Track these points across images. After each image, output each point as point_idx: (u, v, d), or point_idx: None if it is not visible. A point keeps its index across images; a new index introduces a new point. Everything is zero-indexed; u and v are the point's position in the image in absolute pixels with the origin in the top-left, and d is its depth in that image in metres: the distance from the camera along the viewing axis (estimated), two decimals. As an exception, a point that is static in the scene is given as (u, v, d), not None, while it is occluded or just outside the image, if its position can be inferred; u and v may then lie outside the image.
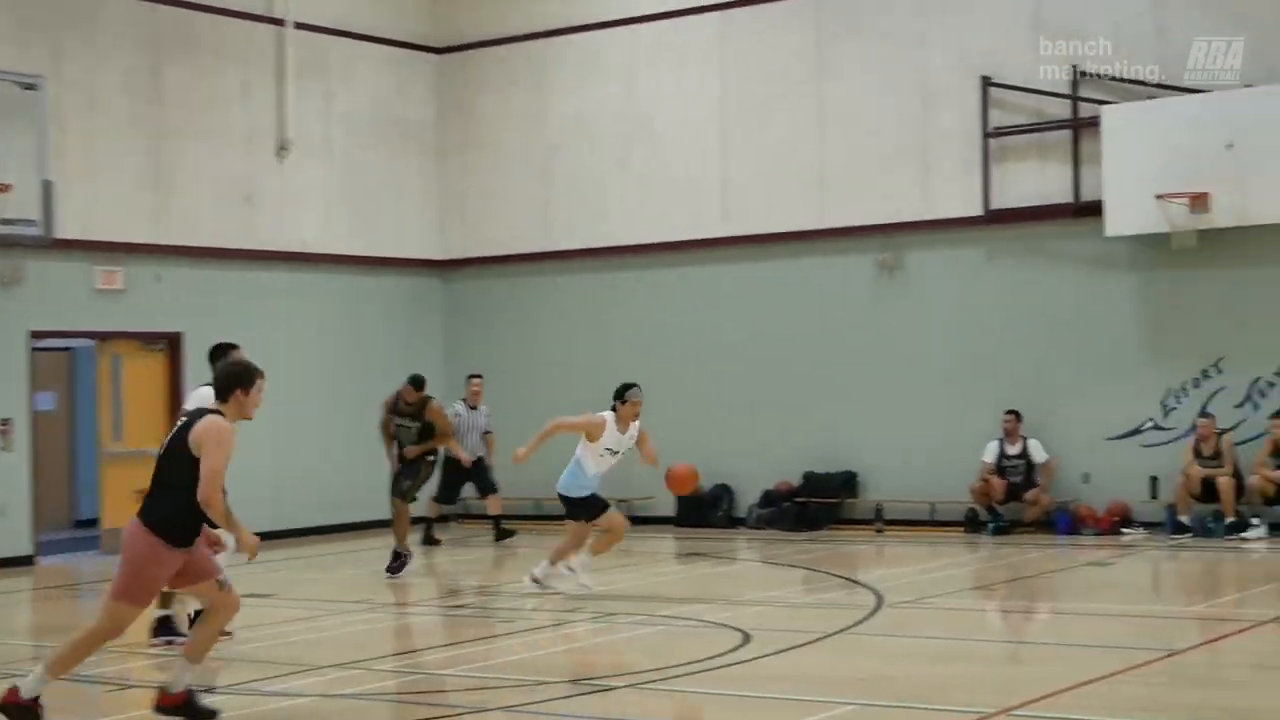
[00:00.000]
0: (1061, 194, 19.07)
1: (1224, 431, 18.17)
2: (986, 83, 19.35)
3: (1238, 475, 17.85)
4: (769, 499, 20.43)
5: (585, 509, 13.91)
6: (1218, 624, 11.82)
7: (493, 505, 19.78)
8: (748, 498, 20.74)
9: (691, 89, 21.43)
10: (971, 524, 19.11)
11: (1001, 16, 19.45)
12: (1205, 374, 18.45)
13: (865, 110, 20.25)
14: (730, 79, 21.18)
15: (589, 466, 13.74)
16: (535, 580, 13.99)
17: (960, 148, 19.60)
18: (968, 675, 9.84)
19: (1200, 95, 18.02)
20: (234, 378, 8.58)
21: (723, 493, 20.80)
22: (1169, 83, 18.31)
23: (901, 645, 11.06)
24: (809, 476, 20.39)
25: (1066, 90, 19.00)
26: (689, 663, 9.99)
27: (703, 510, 20.58)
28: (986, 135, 19.39)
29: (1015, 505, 19.00)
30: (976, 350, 19.59)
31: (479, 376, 20.30)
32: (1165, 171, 17.82)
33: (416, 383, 16.46)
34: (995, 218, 19.41)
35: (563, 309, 22.39)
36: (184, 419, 8.56)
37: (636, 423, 13.75)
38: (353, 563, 17.59)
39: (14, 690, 8.35)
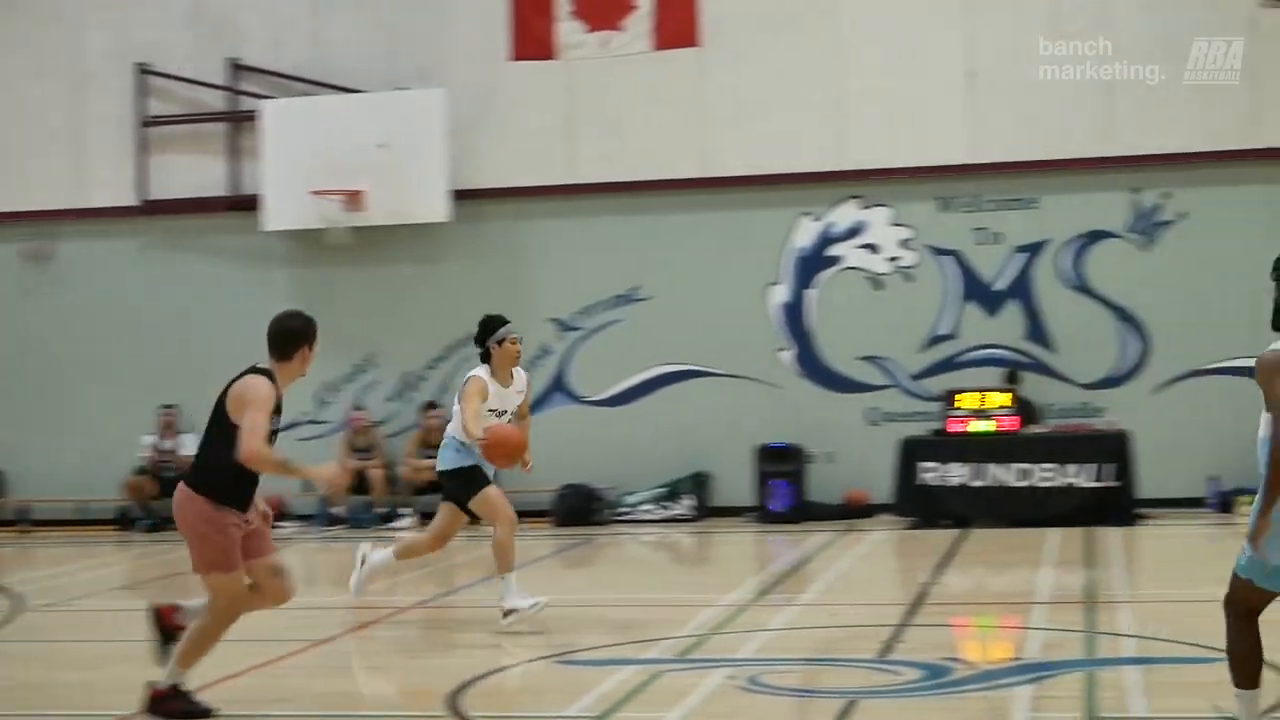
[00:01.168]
0: (220, 187, 18.99)
1: (377, 424, 18.72)
2: (142, 70, 18.96)
3: (389, 467, 18.44)
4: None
5: (469, 484, 10.95)
6: (366, 612, 12.06)
7: None
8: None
9: None
10: (124, 522, 18.66)
11: (161, 5, 19.15)
12: (359, 368, 18.93)
13: (16, 92, 19.37)
14: None
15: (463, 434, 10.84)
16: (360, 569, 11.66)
17: (115, 135, 19.11)
18: (112, 678, 9.48)
19: (355, 95, 18.47)
20: (299, 335, 7.80)
21: None
22: (325, 80, 18.65)
23: (41, 651, 10.54)
24: (-52, 478, 19.18)
25: (227, 83, 18.93)
26: None
27: None
28: (143, 124, 19.00)
29: (169, 501, 18.66)
30: (131, 345, 19.15)
31: None
32: (322, 168, 18.11)
33: None
34: (151, 208, 19.07)
35: None
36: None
37: (519, 369, 11.02)
38: None
39: (153, 688, 8.06)
